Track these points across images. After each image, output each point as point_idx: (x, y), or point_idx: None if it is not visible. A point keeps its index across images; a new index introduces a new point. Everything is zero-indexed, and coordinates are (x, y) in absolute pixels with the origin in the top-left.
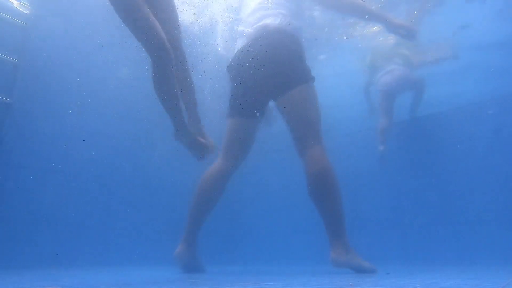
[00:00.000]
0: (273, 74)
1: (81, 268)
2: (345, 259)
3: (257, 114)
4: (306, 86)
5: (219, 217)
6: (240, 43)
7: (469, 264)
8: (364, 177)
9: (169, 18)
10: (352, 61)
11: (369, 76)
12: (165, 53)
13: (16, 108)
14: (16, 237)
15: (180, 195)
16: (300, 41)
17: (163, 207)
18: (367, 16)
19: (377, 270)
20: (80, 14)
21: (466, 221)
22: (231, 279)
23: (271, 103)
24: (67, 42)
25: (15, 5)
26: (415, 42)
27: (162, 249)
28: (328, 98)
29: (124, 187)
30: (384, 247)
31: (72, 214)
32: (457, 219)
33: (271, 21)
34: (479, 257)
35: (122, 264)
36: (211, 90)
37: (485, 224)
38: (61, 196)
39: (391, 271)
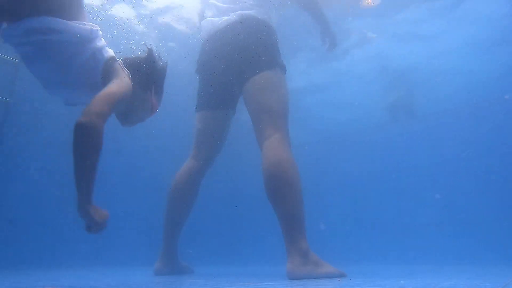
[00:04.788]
0: (241, 59)
1: (81, 268)
2: (304, 271)
3: (227, 105)
4: (271, 72)
5: (219, 218)
6: (208, 30)
7: (469, 264)
8: (364, 178)
9: None
10: None
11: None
12: None
13: (16, 108)
14: (16, 237)
15: None
16: (273, 30)
17: (164, 207)
18: (318, 13)
19: (346, 274)
20: None
21: (466, 221)
22: (231, 279)
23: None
24: None
25: None
26: (332, 53)
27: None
28: None
29: (124, 187)
30: (384, 247)
31: (72, 214)
32: (457, 219)
33: (247, 9)
34: (479, 257)
35: (122, 264)
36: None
37: (485, 224)
38: (60, 196)
39: (391, 271)
